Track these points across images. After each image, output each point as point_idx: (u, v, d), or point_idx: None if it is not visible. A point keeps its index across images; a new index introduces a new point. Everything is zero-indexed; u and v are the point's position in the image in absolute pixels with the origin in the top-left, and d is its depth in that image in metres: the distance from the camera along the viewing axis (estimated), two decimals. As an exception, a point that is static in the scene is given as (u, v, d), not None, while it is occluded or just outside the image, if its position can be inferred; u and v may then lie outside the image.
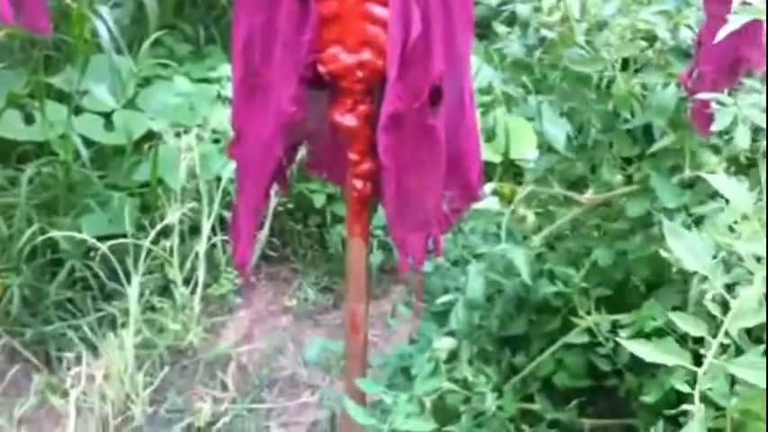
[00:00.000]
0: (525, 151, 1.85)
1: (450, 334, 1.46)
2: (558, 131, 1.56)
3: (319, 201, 2.54)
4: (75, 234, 2.19)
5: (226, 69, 2.99)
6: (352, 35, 1.34)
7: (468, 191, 1.48)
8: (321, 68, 1.37)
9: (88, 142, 2.40)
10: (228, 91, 2.43)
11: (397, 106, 1.33)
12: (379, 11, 1.32)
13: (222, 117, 2.31)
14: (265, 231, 2.49)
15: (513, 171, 2.09)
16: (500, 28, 1.51)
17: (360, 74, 1.36)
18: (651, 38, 1.43)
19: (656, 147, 1.39)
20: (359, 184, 1.41)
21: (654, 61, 1.40)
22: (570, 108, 1.60)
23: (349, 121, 1.40)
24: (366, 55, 1.35)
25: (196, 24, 3.19)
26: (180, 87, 2.44)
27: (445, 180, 1.40)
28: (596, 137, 1.60)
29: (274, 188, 1.53)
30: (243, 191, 1.50)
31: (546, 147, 1.66)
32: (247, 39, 1.39)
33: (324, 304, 2.50)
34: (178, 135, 2.34)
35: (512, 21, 1.65)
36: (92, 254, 2.23)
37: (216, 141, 2.44)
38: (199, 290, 2.26)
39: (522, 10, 1.48)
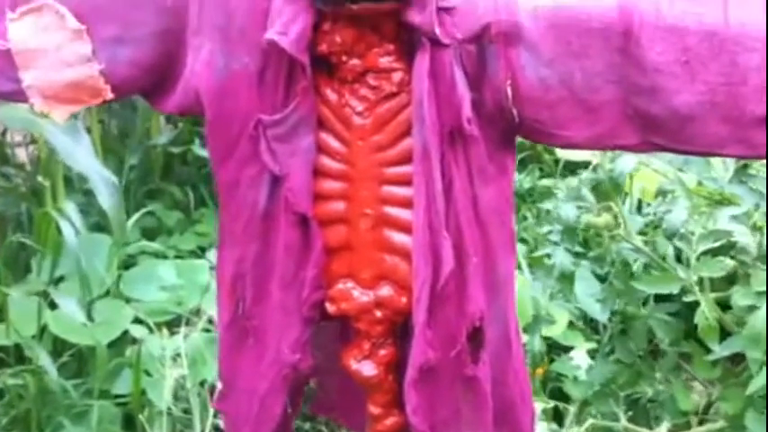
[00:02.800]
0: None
1: None
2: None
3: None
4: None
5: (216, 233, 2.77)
6: (366, 267, 1.08)
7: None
8: (330, 308, 1.10)
9: (64, 343, 2.12)
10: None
11: (428, 357, 1.05)
12: (398, 238, 1.06)
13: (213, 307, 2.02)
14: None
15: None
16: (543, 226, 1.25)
17: (379, 313, 1.09)
18: (729, 245, 1.16)
19: (753, 387, 1.10)
20: (384, 443, 1.13)
21: (738, 276, 1.12)
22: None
23: (367, 369, 1.12)
24: (385, 291, 1.08)
25: (185, 186, 2.97)
26: (166, 279, 2.18)
27: (492, 437, 1.12)
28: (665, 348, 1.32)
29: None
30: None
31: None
32: (236, 275, 1.12)
33: None
34: (167, 328, 2.06)
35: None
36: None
37: (207, 331, 2.16)
38: None
39: (568, 211, 1.22)
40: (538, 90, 0.97)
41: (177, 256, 2.58)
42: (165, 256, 2.47)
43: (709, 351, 1.25)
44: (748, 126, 0.93)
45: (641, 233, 1.29)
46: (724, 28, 0.91)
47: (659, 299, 1.39)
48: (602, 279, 1.42)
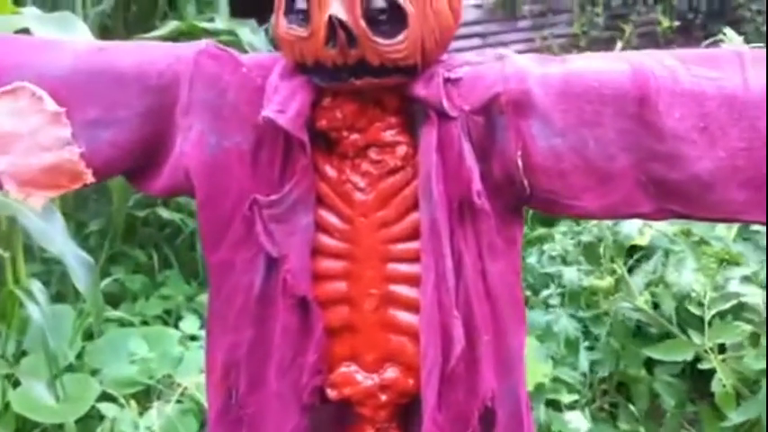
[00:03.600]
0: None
1: None
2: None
3: None
4: None
5: (182, 296, 2.68)
6: (370, 349, 1.02)
7: None
8: (331, 393, 1.04)
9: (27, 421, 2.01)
10: (192, 347, 2.08)
11: (438, 441, 0.99)
12: (404, 318, 1.00)
13: (186, 377, 1.95)
14: None
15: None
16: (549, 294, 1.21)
17: (384, 397, 1.03)
18: (739, 306, 1.13)
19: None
20: None
21: (748, 340, 1.09)
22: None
23: (372, 456, 1.05)
24: (390, 373, 1.02)
25: (149, 248, 2.89)
26: (134, 349, 2.08)
27: None
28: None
29: None
30: None
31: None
32: (228, 363, 1.05)
33: None
34: (138, 400, 1.96)
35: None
36: None
37: (179, 402, 2.07)
38: None
39: (570, 275, 1.18)
40: (550, 159, 0.93)
41: (143, 323, 2.49)
42: (131, 324, 2.38)
43: (717, 411, 1.21)
44: None
45: (643, 293, 1.25)
46: (743, 92, 0.88)
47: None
48: (596, 338, 1.39)
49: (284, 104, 0.93)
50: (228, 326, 1.06)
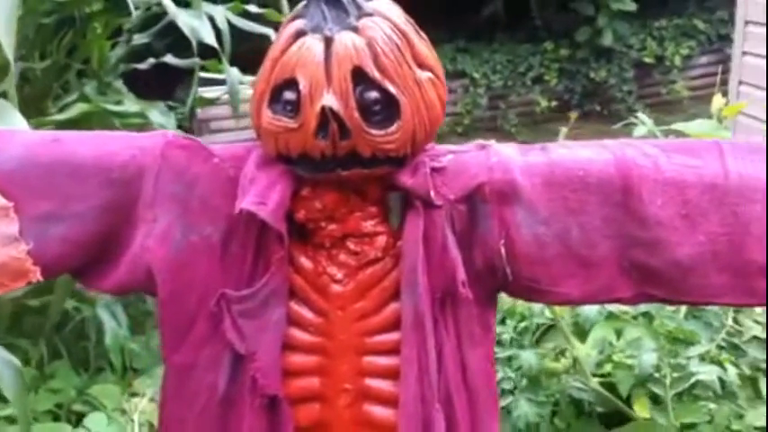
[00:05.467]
0: None
1: None
2: None
3: None
4: None
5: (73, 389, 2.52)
6: (344, 454, 0.97)
7: None
8: (302, 497, 0.98)
9: None
10: None
11: None
12: (380, 412, 0.97)
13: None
14: None
15: None
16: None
17: (358, 498, 0.98)
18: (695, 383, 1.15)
19: None
20: None
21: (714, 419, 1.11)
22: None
23: None
24: (365, 471, 0.98)
25: (36, 337, 2.71)
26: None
27: None
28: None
29: None
30: None
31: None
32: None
33: None
34: None
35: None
36: None
37: None
38: None
39: (528, 358, 1.17)
40: (533, 247, 0.93)
41: (33, 419, 2.31)
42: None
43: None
44: (751, 275, 0.92)
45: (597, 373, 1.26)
46: (723, 180, 0.91)
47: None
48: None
49: (263, 196, 0.89)
50: (188, 429, 0.99)
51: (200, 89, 3.95)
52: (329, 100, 0.84)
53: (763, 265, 0.91)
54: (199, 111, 3.02)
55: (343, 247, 0.94)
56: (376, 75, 0.86)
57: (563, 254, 0.93)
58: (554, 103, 6.73)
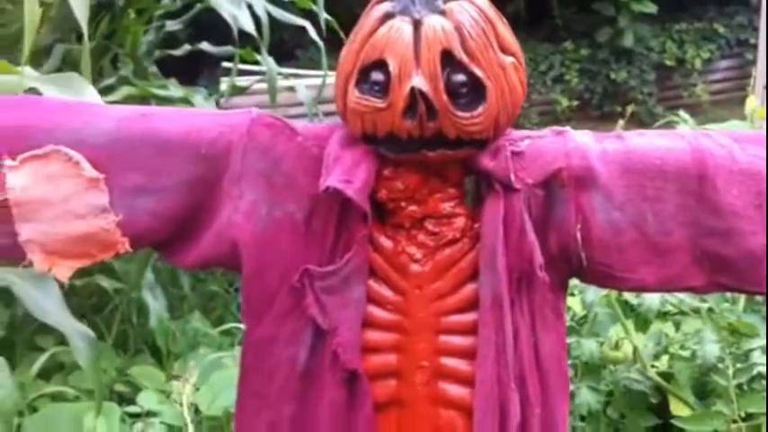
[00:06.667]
0: None
1: None
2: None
3: None
4: None
5: (114, 369, 2.56)
6: (418, 424, 0.99)
7: None
8: (376, 470, 1.00)
9: None
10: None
11: None
12: (455, 391, 0.99)
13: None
14: None
15: None
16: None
17: (432, 474, 1.00)
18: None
19: None
20: None
21: None
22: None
23: None
24: (438, 448, 1.00)
25: (79, 317, 2.75)
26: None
27: None
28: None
29: None
30: None
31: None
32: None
33: None
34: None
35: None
36: None
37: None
38: None
39: (589, 346, 1.19)
40: (609, 233, 0.95)
41: (75, 397, 2.35)
42: (69, 399, 2.25)
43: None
44: None
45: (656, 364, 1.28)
46: None
47: (661, 429, 1.37)
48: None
49: (349, 174, 0.92)
50: (268, 403, 1.01)
51: (224, 78, 3.98)
52: (418, 81, 0.87)
53: None
54: (222, 100, 3.05)
55: (422, 227, 0.96)
56: (464, 58, 0.88)
57: (638, 240, 0.95)
58: (575, 103, 6.73)
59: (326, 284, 0.96)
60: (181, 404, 2.02)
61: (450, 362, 0.98)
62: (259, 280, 0.98)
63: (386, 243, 0.97)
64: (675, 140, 0.96)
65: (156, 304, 2.49)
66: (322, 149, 0.96)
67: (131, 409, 2.05)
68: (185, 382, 2.06)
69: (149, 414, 2.05)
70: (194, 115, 1.01)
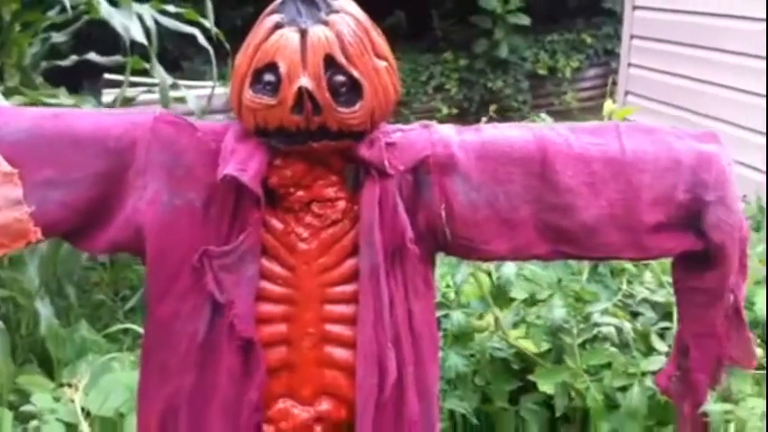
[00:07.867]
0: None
1: None
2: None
3: None
4: None
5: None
6: (306, 384, 1.13)
7: None
8: (267, 429, 1.13)
9: None
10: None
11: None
12: (339, 354, 1.12)
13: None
14: None
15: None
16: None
17: (318, 429, 1.14)
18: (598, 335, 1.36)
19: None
20: None
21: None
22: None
23: (308, 485, 1.15)
24: (325, 405, 1.13)
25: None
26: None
27: None
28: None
29: None
30: None
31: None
32: (167, 410, 1.13)
33: None
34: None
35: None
36: None
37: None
38: None
39: (457, 317, 1.35)
40: (468, 211, 1.11)
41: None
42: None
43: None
44: (641, 233, 1.12)
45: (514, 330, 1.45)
46: (621, 155, 1.11)
47: (523, 391, 1.55)
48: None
49: (243, 164, 1.04)
50: (169, 374, 1.12)
51: (106, 90, 4.00)
52: (305, 81, 1.01)
53: (650, 224, 1.12)
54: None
55: (308, 210, 1.10)
56: (344, 61, 1.02)
57: (491, 216, 1.12)
58: (454, 111, 7.01)
59: (223, 263, 1.08)
60: (73, 401, 2.06)
61: (335, 328, 1.12)
62: (162, 261, 1.09)
63: (277, 225, 1.10)
64: (523, 132, 1.13)
65: (46, 311, 2.52)
66: (219, 143, 1.08)
67: (26, 408, 2.08)
68: (75, 387, 2.09)
69: (43, 413, 2.08)
70: (102, 114, 1.12)
